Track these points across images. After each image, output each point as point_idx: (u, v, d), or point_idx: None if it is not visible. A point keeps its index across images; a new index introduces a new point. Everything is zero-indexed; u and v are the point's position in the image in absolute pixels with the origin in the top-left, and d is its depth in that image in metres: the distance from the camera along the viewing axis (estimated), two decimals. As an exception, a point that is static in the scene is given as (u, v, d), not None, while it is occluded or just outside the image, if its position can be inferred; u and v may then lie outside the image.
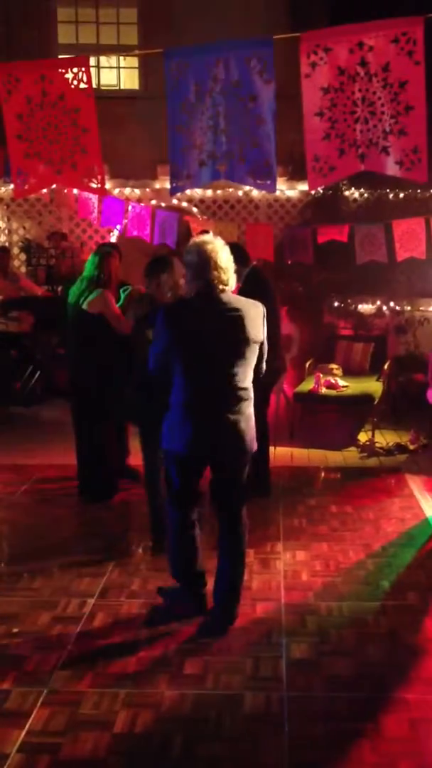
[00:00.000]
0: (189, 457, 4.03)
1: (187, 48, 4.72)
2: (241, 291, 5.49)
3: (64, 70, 4.84)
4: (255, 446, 4.10)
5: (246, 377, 3.97)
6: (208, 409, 3.92)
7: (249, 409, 4.01)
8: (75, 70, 4.81)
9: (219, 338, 3.87)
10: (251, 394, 4.03)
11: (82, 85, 4.81)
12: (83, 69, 4.80)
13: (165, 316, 3.92)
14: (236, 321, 3.88)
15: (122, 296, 6.04)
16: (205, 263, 3.86)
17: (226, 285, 3.90)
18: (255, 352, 3.99)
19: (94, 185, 4.97)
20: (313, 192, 10.27)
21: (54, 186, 9.88)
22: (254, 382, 4.07)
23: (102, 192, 5.33)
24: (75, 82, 4.81)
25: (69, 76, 4.80)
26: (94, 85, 4.92)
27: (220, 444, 3.98)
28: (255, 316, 3.97)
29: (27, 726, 3.27)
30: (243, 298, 4.02)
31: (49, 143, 4.89)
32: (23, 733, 3.22)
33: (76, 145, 4.88)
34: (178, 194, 10.55)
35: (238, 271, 4.17)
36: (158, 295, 4.92)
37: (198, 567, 4.28)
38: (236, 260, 4.07)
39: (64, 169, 4.92)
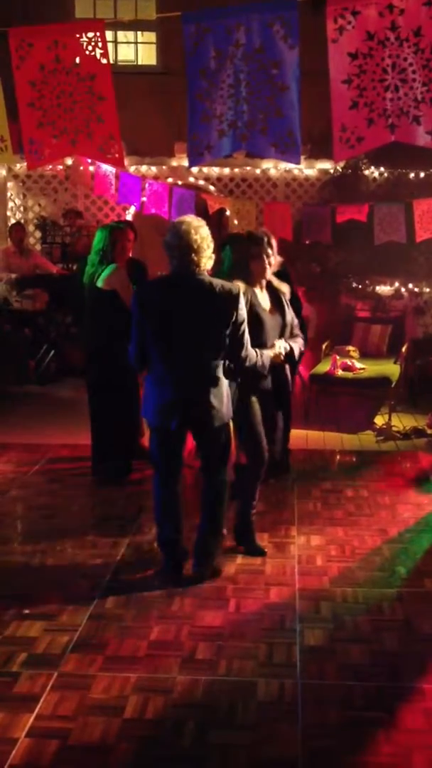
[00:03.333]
0: (159, 427, 4.27)
1: (207, 11, 4.54)
2: None
3: (78, 35, 4.69)
4: (225, 418, 4.26)
5: (214, 356, 4.14)
6: (173, 383, 4.16)
7: (215, 385, 4.17)
8: (90, 35, 4.65)
9: (186, 317, 4.06)
10: (219, 372, 4.19)
11: (98, 51, 4.65)
12: (98, 34, 4.65)
13: (136, 294, 4.27)
14: (205, 302, 4.05)
15: None
16: (181, 245, 4.01)
17: (198, 266, 4.06)
18: (225, 334, 4.09)
19: (110, 156, 4.84)
20: (332, 170, 10.13)
21: (70, 162, 9.86)
22: (240, 368, 4.27)
23: (120, 164, 5.17)
24: (90, 48, 4.65)
25: (84, 41, 4.65)
26: (111, 61, 4.79)
27: (186, 417, 4.19)
28: (228, 298, 4.07)
29: (36, 710, 3.22)
30: (220, 281, 4.14)
31: (64, 111, 4.75)
32: (32, 717, 3.17)
33: (92, 114, 4.73)
34: (195, 172, 10.47)
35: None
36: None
37: (173, 535, 4.43)
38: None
39: (80, 139, 4.79)
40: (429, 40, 4.18)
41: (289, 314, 4.73)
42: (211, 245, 4.10)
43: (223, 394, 4.23)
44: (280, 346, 4.58)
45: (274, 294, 4.69)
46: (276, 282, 4.71)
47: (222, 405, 4.22)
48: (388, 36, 4.23)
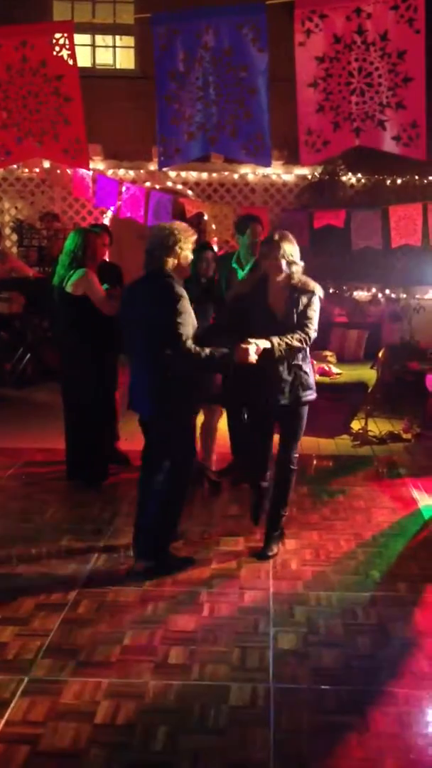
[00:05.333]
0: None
1: (176, 14, 4.55)
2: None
3: (46, 36, 4.65)
4: (152, 411, 4.44)
5: (151, 353, 4.32)
6: (133, 375, 4.53)
7: (151, 377, 4.37)
8: (58, 35, 4.62)
9: (136, 316, 4.35)
10: (158, 368, 4.31)
11: (65, 52, 4.61)
12: (66, 35, 4.62)
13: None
14: (146, 304, 4.32)
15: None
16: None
17: (154, 265, 4.33)
18: (156, 334, 4.27)
19: (76, 159, 4.80)
20: (310, 176, 10.17)
21: (47, 165, 9.82)
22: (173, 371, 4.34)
23: (85, 166, 5.13)
24: (57, 48, 4.62)
25: (52, 41, 4.62)
26: (89, 65, 4.79)
27: (136, 407, 4.51)
28: (158, 302, 4.26)
29: (6, 715, 3.18)
30: (168, 280, 4.31)
31: (29, 113, 4.71)
32: (2, 722, 3.14)
33: (59, 116, 4.70)
34: (173, 176, 10.47)
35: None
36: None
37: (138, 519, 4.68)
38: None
39: (45, 141, 4.74)
40: (395, 45, 4.19)
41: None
42: (178, 247, 4.31)
43: (157, 390, 4.40)
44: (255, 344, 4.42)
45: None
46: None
47: (154, 397, 4.39)
48: (355, 39, 4.25)
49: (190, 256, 4.45)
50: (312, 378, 4.78)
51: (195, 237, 4.46)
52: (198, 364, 4.29)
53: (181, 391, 4.38)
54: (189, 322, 4.26)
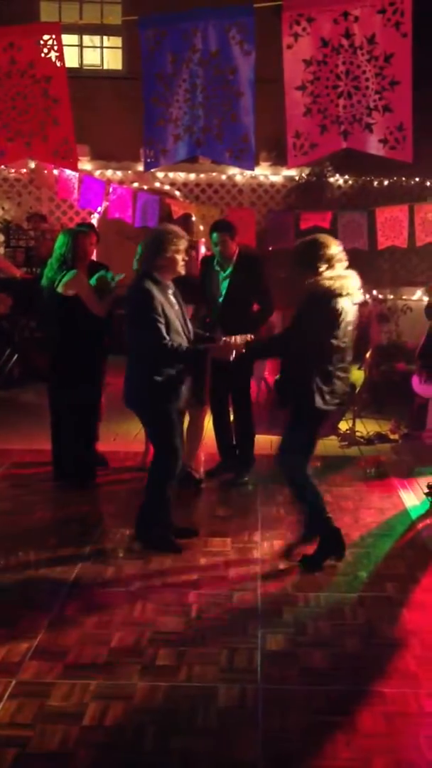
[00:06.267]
0: None
1: (164, 16, 4.56)
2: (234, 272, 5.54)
3: (35, 38, 4.66)
4: (132, 402, 4.73)
5: (131, 346, 4.66)
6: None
7: (135, 373, 4.65)
8: (46, 37, 4.63)
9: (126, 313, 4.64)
10: (139, 363, 4.61)
11: (53, 54, 4.63)
12: (54, 36, 4.62)
13: None
14: (126, 301, 4.62)
15: (110, 278, 5.94)
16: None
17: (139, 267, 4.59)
18: (132, 329, 4.58)
19: (65, 160, 4.81)
20: (297, 178, 10.19)
21: (33, 165, 9.81)
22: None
23: (74, 167, 5.14)
24: (45, 50, 4.62)
25: (40, 43, 4.62)
26: (76, 65, 4.80)
27: (125, 397, 4.76)
28: (129, 299, 4.56)
29: (-6, 718, 3.17)
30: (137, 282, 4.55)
31: (18, 114, 4.71)
32: (-10, 725, 3.13)
33: (47, 117, 4.71)
34: (161, 177, 10.47)
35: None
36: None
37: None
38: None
39: (34, 142, 4.75)
40: (382, 48, 4.21)
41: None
42: (155, 247, 4.54)
43: (135, 382, 4.66)
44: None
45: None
46: None
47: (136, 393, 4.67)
48: (342, 43, 4.26)
49: (179, 257, 4.54)
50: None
51: (185, 239, 4.58)
52: (168, 358, 4.51)
53: (156, 384, 4.55)
54: (154, 319, 4.42)
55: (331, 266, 4.46)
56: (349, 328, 4.55)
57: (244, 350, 4.76)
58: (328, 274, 4.44)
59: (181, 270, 4.65)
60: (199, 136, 4.55)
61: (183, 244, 4.57)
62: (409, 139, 4.26)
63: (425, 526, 5.33)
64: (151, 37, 4.47)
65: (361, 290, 4.55)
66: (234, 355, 4.74)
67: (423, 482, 6.09)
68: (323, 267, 4.44)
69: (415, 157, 4.36)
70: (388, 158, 4.51)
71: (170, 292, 4.65)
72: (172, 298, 4.65)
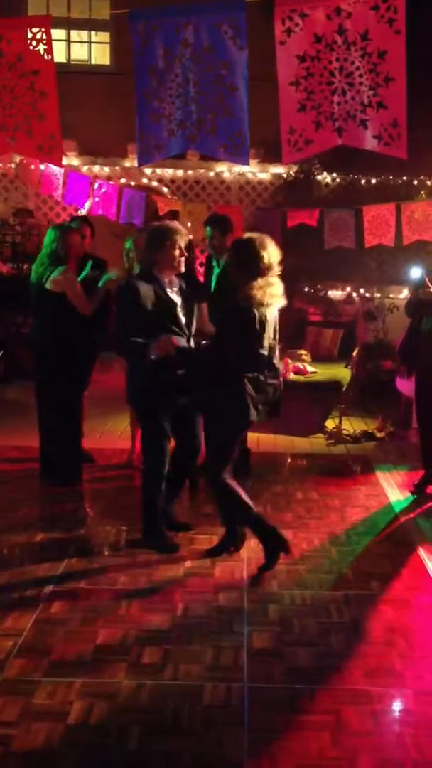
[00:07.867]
0: None
1: (155, 9, 4.52)
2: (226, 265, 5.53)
3: (23, 30, 4.61)
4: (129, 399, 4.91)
5: None
6: None
7: (130, 369, 4.77)
8: (35, 30, 4.58)
9: None
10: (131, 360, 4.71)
11: (41, 47, 4.58)
12: (43, 29, 4.58)
13: None
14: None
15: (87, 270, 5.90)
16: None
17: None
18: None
19: (50, 156, 4.77)
20: (285, 175, 10.17)
21: (18, 160, 9.73)
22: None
23: (58, 162, 5.10)
24: (34, 43, 4.58)
25: (29, 36, 4.58)
26: (64, 60, 4.75)
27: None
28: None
29: (-22, 717, 3.15)
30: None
31: (3, 108, 4.66)
32: (-27, 724, 3.11)
33: (33, 111, 4.65)
34: (149, 173, 10.42)
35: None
36: None
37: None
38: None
39: (19, 137, 4.70)
40: (376, 45, 4.20)
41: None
42: (153, 243, 4.55)
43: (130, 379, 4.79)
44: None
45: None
46: None
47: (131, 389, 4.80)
48: (336, 39, 4.25)
49: (176, 253, 4.54)
50: None
51: (184, 235, 4.57)
52: (122, 349, 4.62)
53: (145, 379, 4.59)
54: (131, 315, 4.44)
55: (264, 276, 4.33)
56: (271, 335, 4.46)
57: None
58: (257, 283, 4.29)
59: (181, 266, 4.61)
60: (193, 131, 4.53)
61: (181, 240, 4.53)
62: (403, 135, 4.26)
63: (408, 521, 5.35)
64: (142, 31, 4.43)
65: (284, 296, 4.39)
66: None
67: (409, 481, 6.11)
68: (257, 277, 4.31)
69: (408, 153, 4.35)
70: (379, 156, 4.52)
71: (174, 288, 4.62)
72: (172, 294, 4.59)
